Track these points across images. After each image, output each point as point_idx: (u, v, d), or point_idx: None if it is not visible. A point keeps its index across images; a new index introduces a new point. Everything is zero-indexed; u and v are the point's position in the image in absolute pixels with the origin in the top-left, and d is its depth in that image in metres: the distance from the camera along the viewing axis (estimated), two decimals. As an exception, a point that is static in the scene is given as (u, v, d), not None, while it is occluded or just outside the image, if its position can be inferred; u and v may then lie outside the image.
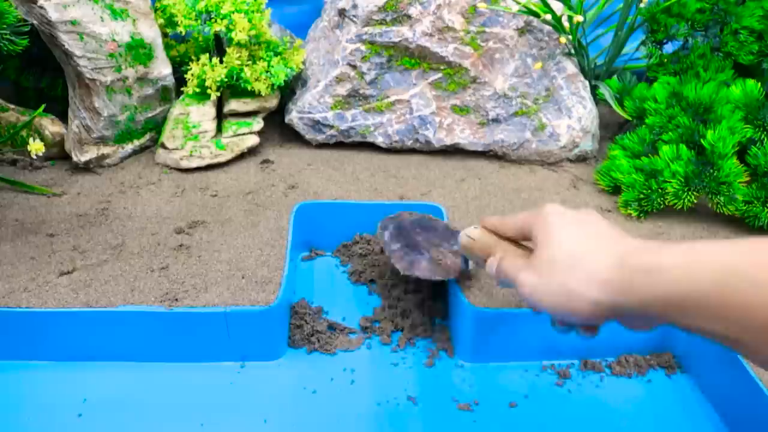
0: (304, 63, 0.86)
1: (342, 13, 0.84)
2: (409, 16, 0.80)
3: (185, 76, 0.80)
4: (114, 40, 0.73)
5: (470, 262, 0.54)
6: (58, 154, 0.80)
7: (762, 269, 0.28)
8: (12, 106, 0.79)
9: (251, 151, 0.84)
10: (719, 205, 0.70)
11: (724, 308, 0.28)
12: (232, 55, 0.79)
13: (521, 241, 0.45)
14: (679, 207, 0.71)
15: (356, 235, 0.73)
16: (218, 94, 0.80)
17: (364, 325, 0.63)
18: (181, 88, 0.82)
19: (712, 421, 0.54)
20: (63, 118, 0.80)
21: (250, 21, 0.78)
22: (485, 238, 0.47)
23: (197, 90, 0.80)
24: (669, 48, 0.89)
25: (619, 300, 0.33)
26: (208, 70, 0.78)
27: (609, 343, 0.58)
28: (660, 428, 0.54)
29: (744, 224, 0.72)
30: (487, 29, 0.82)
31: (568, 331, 0.41)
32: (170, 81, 0.82)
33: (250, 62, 0.80)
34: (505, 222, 0.45)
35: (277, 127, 0.91)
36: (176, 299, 0.56)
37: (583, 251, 0.36)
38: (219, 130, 0.82)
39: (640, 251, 0.33)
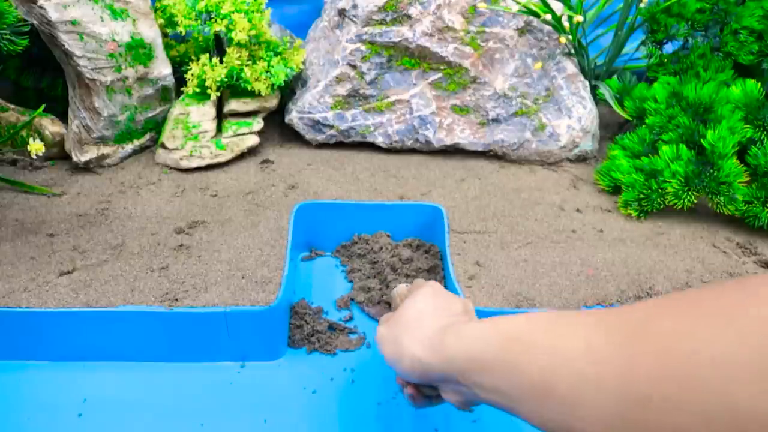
0: (304, 63, 0.86)
1: (342, 13, 0.84)
2: (409, 16, 0.80)
3: (185, 76, 0.80)
4: (114, 40, 0.73)
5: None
6: (58, 154, 0.80)
7: (530, 335, 0.31)
8: (12, 106, 0.79)
9: (251, 151, 0.84)
10: (719, 205, 0.70)
11: (506, 368, 0.31)
12: (232, 55, 0.79)
13: None
14: (679, 207, 0.71)
15: (354, 236, 0.73)
16: (218, 94, 0.80)
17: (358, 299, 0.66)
18: (181, 88, 0.82)
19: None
20: (63, 118, 0.80)
21: (250, 21, 0.78)
22: (399, 294, 0.54)
23: (197, 90, 0.80)
24: (669, 48, 0.89)
25: (429, 357, 0.37)
26: (208, 70, 0.78)
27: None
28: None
29: (744, 224, 0.72)
30: (487, 29, 0.82)
31: (401, 391, 0.45)
32: (170, 81, 0.82)
33: (250, 62, 0.80)
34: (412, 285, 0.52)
35: (277, 127, 0.91)
36: (176, 299, 0.56)
37: (424, 317, 0.40)
38: (219, 130, 0.82)
39: (461, 322, 0.38)
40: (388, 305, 0.60)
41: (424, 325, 0.39)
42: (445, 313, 0.41)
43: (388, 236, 0.71)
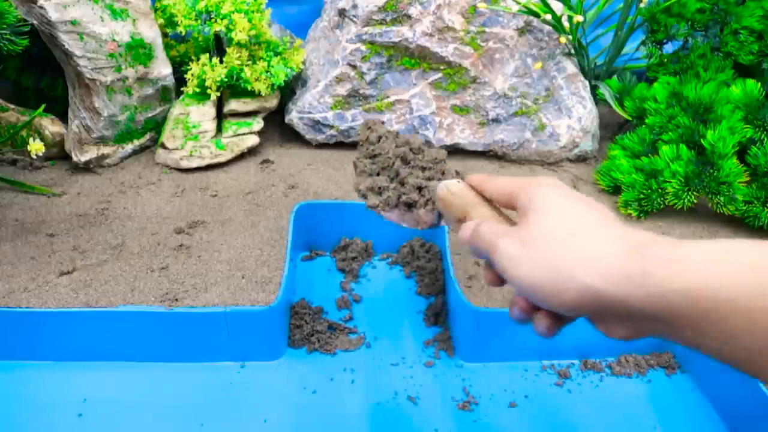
0: (304, 63, 0.86)
1: (342, 13, 0.84)
2: (409, 16, 0.80)
3: (185, 76, 0.80)
4: (114, 40, 0.73)
5: (443, 220, 0.46)
6: (58, 154, 0.80)
7: None
8: (12, 106, 0.79)
9: (251, 151, 0.84)
10: (719, 205, 0.70)
11: (762, 314, 0.23)
12: (232, 55, 0.79)
13: (503, 209, 0.38)
14: (679, 207, 0.71)
15: (344, 238, 0.73)
16: (218, 94, 0.80)
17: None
18: (181, 88, 0.82)
19: (711, 420, 0.54)
20: (63, 118, 0.80)
21: (250, 21, 0.78)
22: (466, 194, 0.40)
23: (197, 90, 0.80)
24: (669, 48, 0.89)
25: (618, 291, 0.26)
26: (208, 70, 0.78)
27: (609, 343, 0.58)
28: (660, 428, 0.54)
29: (744, 224, 0.72)
30: (487, 29, 0.82)
31: (524, 322, 0.34)
32: (170, 81, 0.82)
33: (250, 62, 0.80)
34: (492, 181, 0.38)
35: (277, 127, 0.91)
36: (176, 299, 0.56)
37: (585, 232, 0.29)
38: (219, 130, 0.82)
39: (660, 240, 0.27)
40: (407, 206, 0.48)
41: (592, 242, 0.28)
42: (617, 225, 0.30)
43: (383, 124, 0.56)
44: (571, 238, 0.29)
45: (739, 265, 0.24)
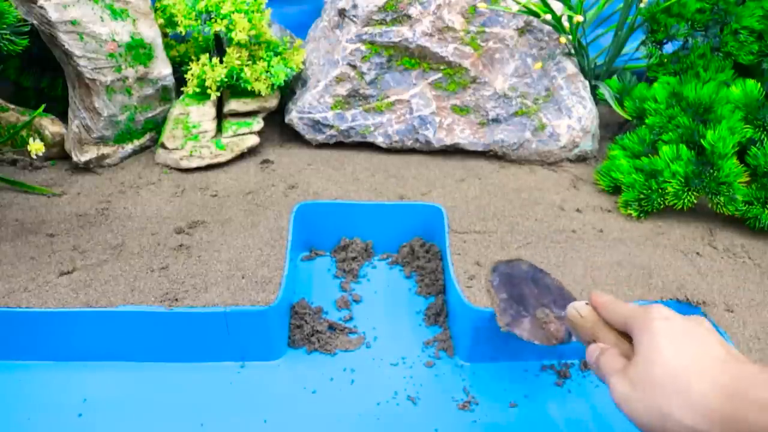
0: (304, 63, 0.86)
1: (342, 13, 0.84)
2: (409, 16, 0.80)
3: (185, 76, 0.80)
4: (114, 40, 0.73)
5: (574, 336, 0.51)
6: (58, 154, 0.80)
7: None
8: (12, 106, 0.79)
9: (251, 151, 0.84)
10: (719, 206, 0.70)
11: None
12: (232, 55, 0.79)
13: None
14: (679, 207, 0.71)
15: (344, 238, 0.73)
16: (218, 94, 0.80)
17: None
18: (181, 88, 0.82)
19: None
20: (63, 118, 0.80)
21: (250, 21, 0.78)
22: (591, 318, 0.44)
23: (197, 90, 0.80)
24: (669, 48, 0.89)
25: (717, 430, 0.31)
26: (208, 70, 0.78)
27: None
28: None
29: (744, 225, 0.72)
30: (487, 29, 0.82)
31: None
32: (170, 81, 0.82)
33: (250, 62, 0.80)
34: (611, 306, 0.42)
35: (277, 127, 0.91)
36: (176, 299, 0.56)
37: (688, 374, 0.32)
38: (219, 130, 0.82)
39: (755, 383, 0.31)
40: (540, 325, 0.53)
41: (694, 388, 0.32)
42: (716, 365, 0.33)
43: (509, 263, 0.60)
44: (679, 384, 0.32)
45: None
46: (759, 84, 0.74)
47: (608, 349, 0.40)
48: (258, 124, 0.83)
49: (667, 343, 0.34)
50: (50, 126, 0.78)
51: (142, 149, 0.84)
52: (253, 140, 0.82)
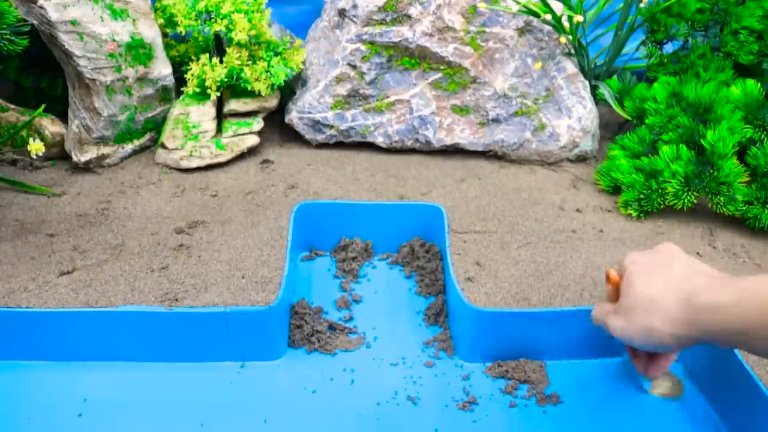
0: (304, 63, 0.86)
1: (342, 13, 0.84)
2: (409, 16, 0.80)
3: (185, 76, 0.80)
4: (114, 40, 0.73)
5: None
6: (58, 154, 0.80)
7: None
8: (12, 106, 0.79)
9: (251, 151, 0.84)
10: (719, 206, 0.70)
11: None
12: (232, 55, 0.79)
13: None
14: (679, 207, 0.71)
15: (344, 238, 0.73)
16: (218, 94, 0.80)
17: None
18: (181, 88, 0.82)
19: (711, 420, 0.54)
20: (63, 118, 0.80)
21: (250, 21, 0.78)
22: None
23: (197, 90, 0.80)
24: (669, 48, 0.89)
25: (691, 333, 0.41)
26: (208, 70, 0.78)
27: (609, 344, 0.58)
28: (659, 426, 0.54)
29: (744, 225, 0.72)
30: (487, 29, 0.82)
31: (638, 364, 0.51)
32: (170, 81, 0.82)
33: (250, 62, 0.80)
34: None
35: (277, 127, 0.91)
36: (176, 299, 0.56)
37: (658, 296, 0.43)
38: (219, 130, 0.82)
39: (705, 290, 0.41)
40: None
41: (663, 306, 0.42)
42: (677, 284, 0.43)
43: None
44: (651, 306, 0.43)
45: (751, 305, 0.37)
46: (759, 84, 0.74)
47: (599, 303, 0.51)
48: (258, 124, 0.83)
49: (638, 280, 0.45)
50: (50, 126, 0.78)
51: (142, 149, 0.84)
52: (253, 140, 0.82)
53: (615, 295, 0.49)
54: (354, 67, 0.83)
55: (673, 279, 0.44)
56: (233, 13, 0.77)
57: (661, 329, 0.42)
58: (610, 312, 0.47)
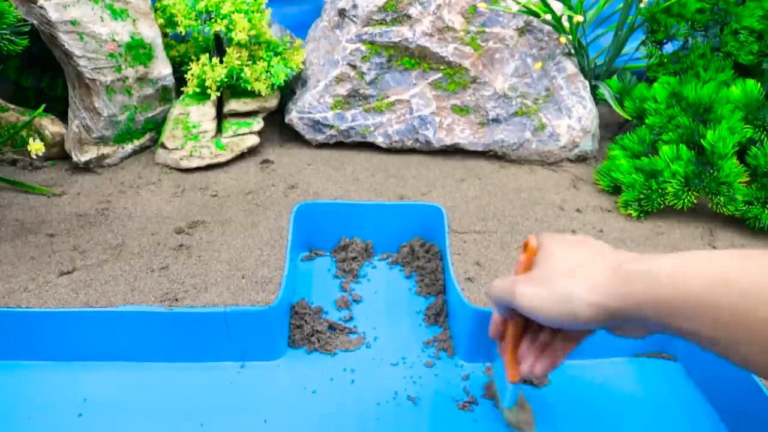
0: (304, 63, 0.86)
1: (342, 13, 0.84)
2: (409, 16, 0.80)
3: (185, 76, 0.80)
4: (114, 40, 0.73)
5: None
6: (58, 154, 0.80)
7: (748, 279, 0.30)
8: (12, 106, 0.79)
9: (251, 151, 0.84)
10: (719, 205, 0.70)
11: (714, 312, 0.31)
12: (232, 55, 0.79)
13: None
14: (679, 207, 0.71)
15: (344, 238, 0.73)
16: (218, 94, 0.80)
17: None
18: (181, 88, 0.82)
19: (703, 408, 0.55)
20: (63, 118, 0.80)
21: (250, 21, 0.78)
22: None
23: (197, 90, 0.80)
24: (669, 48, 0.89)
25: (617, 303, 0.35)
26: (208, 70, 0.78)
27: (609, 344, 0.58)
28: (659, 426, 0.54)
29: (744, 225, 0.72)
30: (487, 29, 0.82)
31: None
32: (170, 81, 0.82)
33: (250, 62, 0.80)
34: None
35: (277, 127, 0.91)
36: (176, 299, 0.56)
37: (581, 262, 0.38)
38: (219, 130, 0.82)
39: (635, 259, 0.36)
40: None
41: (589, 270, 0.37)
42: (604, 254, 0.39)
43: None
44: (574, 272, 0.38)
45: (695, 279, 0.32)
46: (759, 84, 0.74)
47: (503, 276, 0.44)
48: (258, 124, 0.83)
49: (559, 248, 0.41)
50: (50, 126, 0.78)
51: (142, 149, 0.84)
52: (253, 140, 0.82)
53: (526, 268, 0.44)
54: (354, 67, 0.83)
55: (601, 251, 0.40)
56: (233, 13, 0.77)
57: (582, 297, 0.36)
58: (521, 280, 0.41)
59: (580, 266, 0.38)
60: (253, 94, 0.81)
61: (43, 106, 0.72)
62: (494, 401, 0.55)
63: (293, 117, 0.86)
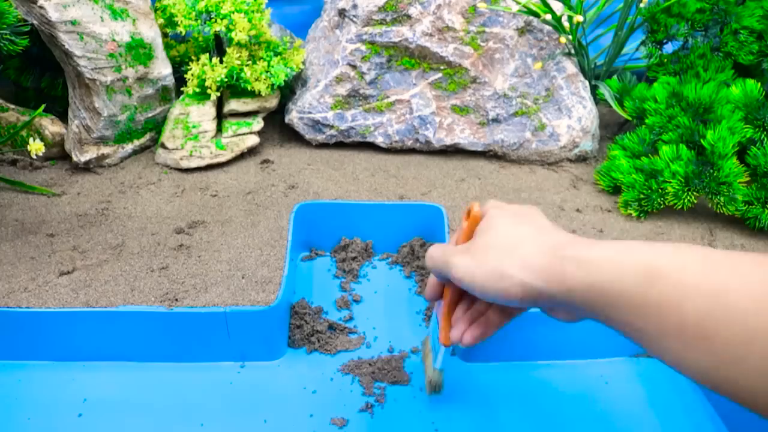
0: (304, 63, 0.86)
1: (342, 13, 0.84)
2: (409, 16, 0.81)
3: (185, 76, 0.80)
4: (114, 40, 0.73)
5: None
6: (58, 154, 0.80)
7: (682, 273, 0.30)
8: (12, 106, 0.79)
9: (251, 151, 0.84)
10: (719, 206, 0.70)
11: (644, 304, 0.30)
12: (232, 55, 0.79)
13: None
14: (679, 207, 0.71)
15: (344, 238, 0.73)
16: (218, 94, 0.80)
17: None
18: (181, 88, 0.82)
19: (703, 408, 0.55)
20: (63, 118, 0.80)
21: (250, 21, 0.78)
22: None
23: (197, 90, 0.80)
24: (669, 48, 0.89)
25: (548, 286, 0.35)
26: (208, 70, 0.78)
27: (609, 344, 0.58)
28: (659, 426, 0.54)
29: (744, 225, 0.72)
30: (487, 29, 0.82)
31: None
32: (170, 81, 0.82)
33: (250, 62, 0.80)
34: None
35: (277, 127, 0.91)
36: (176, 299, 0.56)
37: (519, 239, 0.38)
38: (219, 130, 0.82)
39: (573, 244, 0.36)
40: None
41: (524, 249, 0.37)
42: (543, 233, 0.38)
43: None
44: (510, 248, 0.37)
45: (630, 269, 0.31)
46: (759, 84, 0.74)
47: (439, 244, 0.44)
48: (258, 124, 0.83)
49: (501, 221, 0.40)
50: (50, 126, 0.78)
51: (142, 149, 0.84)
52: (253, 140, 0.82)
53: (467, 236, 0.43)
54: (354, 67, 0.83)
55: (541, 229, 0.38)
56: (233, 13, 0.77)
57: (514, 275, 0.36)
58: (457, 251, 0.40)
59: (519, 244, 0.37)
60: (253, 94, 0.81)
61: (43, 106, 0.72)
62: (422, 356, 0.54)
63: (293, 117, 0.86)
